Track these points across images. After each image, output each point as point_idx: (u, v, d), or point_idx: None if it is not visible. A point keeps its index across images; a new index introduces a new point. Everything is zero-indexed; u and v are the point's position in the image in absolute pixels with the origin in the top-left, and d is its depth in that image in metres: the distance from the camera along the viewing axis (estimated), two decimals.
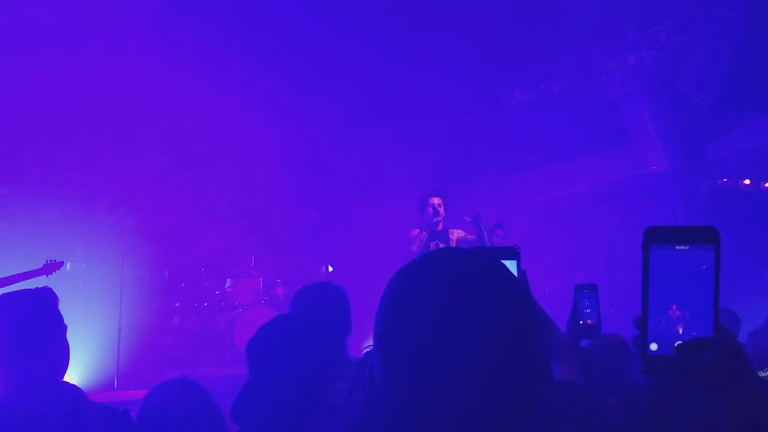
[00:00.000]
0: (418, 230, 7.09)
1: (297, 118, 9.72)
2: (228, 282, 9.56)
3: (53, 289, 2.44)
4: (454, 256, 1.01)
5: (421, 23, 8.93)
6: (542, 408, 1.14)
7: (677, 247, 1.04)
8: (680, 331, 1.03)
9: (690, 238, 1.04)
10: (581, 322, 2.15)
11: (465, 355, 0.89)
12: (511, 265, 1.26)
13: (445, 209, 7.16)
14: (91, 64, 8.54)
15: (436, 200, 7.12)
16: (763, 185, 10.37)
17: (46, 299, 2.38)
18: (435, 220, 7.01)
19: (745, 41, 7.36)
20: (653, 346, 1.04)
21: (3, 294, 2.39)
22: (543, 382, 1.00)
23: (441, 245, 6.99)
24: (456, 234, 7.19)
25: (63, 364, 2.29)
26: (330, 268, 10.25)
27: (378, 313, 0.98)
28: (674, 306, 1.03)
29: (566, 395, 1.35)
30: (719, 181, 10.16)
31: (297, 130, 9.92)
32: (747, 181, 10.31)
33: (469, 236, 7.16)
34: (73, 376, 6.94)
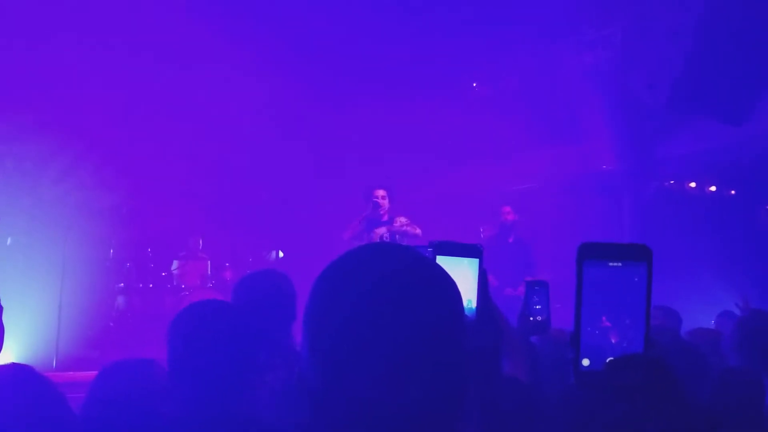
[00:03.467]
0: (355, 221, 7.24)
1: (251, 97, 9.59)
2: (175, 263, 9.41)
3: None
4: (384, 249, 1.04)
5: (380, 12, 8.91)
6: (484, 404, 1.14)
7: (610, 264, 1.06)
8: (616, 346, 1.05)
9: (623, 255, 1.07)
10: (531, 318, 2.18)
11: (384, 347, 0.92)
12: (472, 263, 1.25)
13: (390, 200, 7.31)
14: (36, 31, 8.30)
15: (380, 192, 7.28)
16: (708, 189, 10.66)
17: None
18: (380, 212, 7.18)
19: (698, 45, 7.51)
20: (585, 362, 1.06)
21: None
22: (470, 379, 1.01)
23: (386, 235, 7.14)
24: (398, 221, 7.30)
25: None
26: (281, 254, 10.17)
27: (307, 303, 1.01)
28: (604, 318, 1.05)
29: (508, 391, 1.36)
30: (666, 183, 10.41)
31: (252, 111, 9.80)
32: (693, 184, 10.59)
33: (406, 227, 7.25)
34: (9, 355, 6.75)
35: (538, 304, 2.20)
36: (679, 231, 8.94)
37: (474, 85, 11.11)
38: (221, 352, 1.91)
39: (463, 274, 1.21)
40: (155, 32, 8.65)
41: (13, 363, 2.18)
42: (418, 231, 7.22)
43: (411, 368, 0.92)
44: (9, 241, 8.41)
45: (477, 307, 1.23)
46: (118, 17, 8.41)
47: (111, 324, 8.66)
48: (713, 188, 10.59)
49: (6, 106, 8.44)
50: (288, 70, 9.63)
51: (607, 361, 1.05)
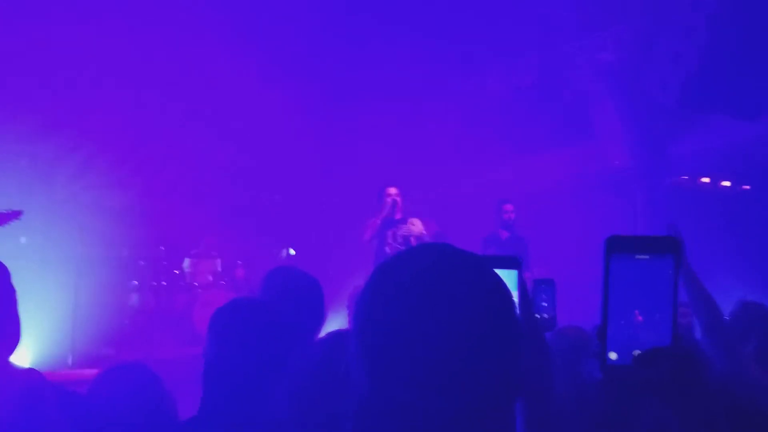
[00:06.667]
0: (372, 220, 7.22)
1: (263, 96, 9.62)
2: (186, 261, 9.45)
3: (5, 262, 2.36)
4: (441, 252, 1.01)
5: (393, 9, 8.90)
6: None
7: (638, 257, 1.05)
8: (643, 339, 1.04)
9: (651, 248, 1.06)
10: (538, 316, 2.20)
11: (433, 349, 0.90)
12: (511, 275, 1.22)
13: (403, 198, 7.31)
14: (51, 31, 8.35)
15: (393, 190, 7.26)
16: (721, 184, 10.60)
17: None
18: (394, 210, 7.17)
19: (710, 43, 7.48)
20: (612, 356, 1.06)
21: None
22: (520, 389, 1.00)
23: (398, 233, 7.14)
24: (417, 224, 7.29)
25: (14, 340, 2.22)
26: (292, 252, 10.20)
27: (358, 301, 0.99)
28: (636, 312, 1.04)
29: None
30: (679, 178, 10.35)
31: (263, 110, 9.82)
32: (706, 179, 10.53)
33: (424, 232, 7.26)
34: (26, 352, 6.81)
35: (545, 302, 2.22)
36: (693, 226, 8.86)
37: (487, 83, 11.08)
38: (257, 350, 1.93)
39: None
40: (168, 34, 8.68)
41: (29, 369, 2.21)
42: (423, 234, 7.21)
43: (460, 372, 0.91)
44: (23, 240, 8.47)
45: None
46: (132, 18, 8.45)
47: (125, 321, 8.71)
48: (727, 183, 10.53)
49: (21, 106, 8.50)
50: (299, 69, 9.64)
51: (635, 354, 1.04)
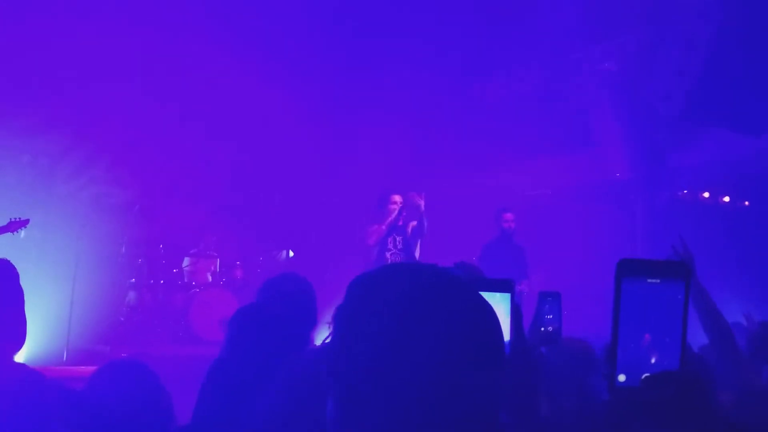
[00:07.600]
0: (377, 225, 7.23)
1: (264, 98, 9.63)
2: (186, 261, 9.44)
3: (3, 257, 2.37)
4: (420, 272, 1.00)
5: (396, 16, 8.92)
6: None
7: (649, 281, 1.05)
8: (652, 362, 1.04)
9: (662, 272, 1.06)
10: (542, 328, 2.20)
11: (411, 366, 0.89)
12: (504, 298, 1.22)
13: (404, 205, 7.34)
14: (52, 29, 8.36)
15: (397, 198, 7.27)
16: (721, 199, 10.59)
17: (6, 273, 2.30)
18: (397, 217, 7.19)
19: (715, 56, 7.48)
20: (621, 378, 1.06)
21: None
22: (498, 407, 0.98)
23: (399, 239, 7.16)
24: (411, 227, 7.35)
25: (20, 340, 2.23)
26: (291, 253, 10.19)
27: (340, 310, 0.98)
28: (647, 335, 1.04)
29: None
30: (679, 192, 10.34)
31: (265, 111, 9.83)
32: (706, 194, 10.53)
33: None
34: (21, 348, 6.79)
35: (550, 314, 2.22)
36: (692, 241, 8.88)
37: (489, 89, 11.09)
38: (254, 353, 1.93)
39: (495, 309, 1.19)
40: (169, 34, 8.70)
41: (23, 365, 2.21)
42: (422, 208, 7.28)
43: (443, 391, 0.89)
44: (22, 234, 8.47)
45: (510, 342, 1.20)
46: (132, 18, 8.47)
47: (121, 319, 8.70)
48: (727, 199, 10.53)
49: (23, 103, 8.51)
50: (300, 70, 9.65)
51: (643, 377, 1.05)
